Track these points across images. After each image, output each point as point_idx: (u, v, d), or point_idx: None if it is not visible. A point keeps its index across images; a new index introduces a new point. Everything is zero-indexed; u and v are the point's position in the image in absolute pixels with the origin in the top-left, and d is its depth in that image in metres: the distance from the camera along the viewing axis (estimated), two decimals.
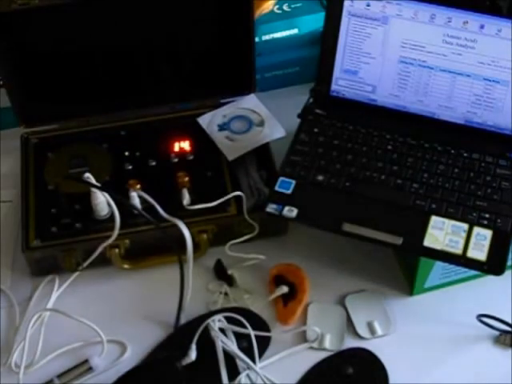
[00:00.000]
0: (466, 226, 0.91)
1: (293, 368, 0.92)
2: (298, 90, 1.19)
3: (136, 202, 0.99)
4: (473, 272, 0.94)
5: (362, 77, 1.03)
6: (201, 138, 1.09)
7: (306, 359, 0.93)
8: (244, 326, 0.92)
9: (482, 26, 0.95)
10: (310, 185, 0.97)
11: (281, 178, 0.97)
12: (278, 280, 0.99)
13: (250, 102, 1.13)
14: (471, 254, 0.89)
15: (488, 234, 0.90)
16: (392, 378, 0.91)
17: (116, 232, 0.95)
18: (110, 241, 0.96)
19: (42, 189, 1.04)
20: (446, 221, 0.92)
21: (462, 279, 0.99)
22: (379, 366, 0.91)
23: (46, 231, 1.00)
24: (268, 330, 0.95)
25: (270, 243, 1.03)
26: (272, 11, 1.21)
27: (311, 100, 1.06)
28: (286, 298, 0.97)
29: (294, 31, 1.20)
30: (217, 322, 0.92)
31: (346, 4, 1.00)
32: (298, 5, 1.21)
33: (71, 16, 1.02)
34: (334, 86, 1.05)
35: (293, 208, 0.94)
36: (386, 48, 1.00)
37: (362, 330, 0.95)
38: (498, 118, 0.99)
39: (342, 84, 1.04)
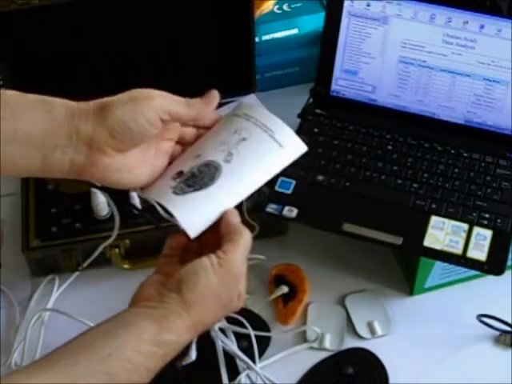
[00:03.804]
0: (465, 226, 0.91)
1: (293, 368, 0.92)
2: (297, 90, 1.19)
3: (136, 202, 0.99)
4: (473, 272, 0.94)
5: (362, 77, 1.03)
6: None
7: (306, 359, 0.93)
8: (244, 326, 0.92)
9: (482, 26, 0.95)
10: (310, 185, 0.97)
11: (281, 178, 0.97)
12: (278, 280, 0.99)
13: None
14: (471, 254, 0.89)
15: (488, 234, 0.90)
16: (392, 378, 0.91)
17: (116, 232, 0.95)
18: (109, 241, 0.96)
19: (42, 189, 1.04)
20: (446, 221, 0.92)
21: (462, 279, 0.99)
22: (379, 366, 0.91)
23: (46, 231, 1.00)
24: (268, 330, 0.95)
25: (270, 243, 1.03)
26: (272, 11, 1.21)
27: (311, 100, 1.06)
28: (286, 298, 0.97)
29: (294, 31, 1.20)
30: (217, 322, 0.92)
31: (346, 4, 1.00)
32: (298, 5, 1.21)
33: (71, 16, 1.02)
34: (334, 86, 1.05)
35: (293, 208, 0.94)
36: (385, 48, 1.00)
37: (362, 330, 0.95)
38: (498, 117, 0.99)
39: (342, 84, 1.04)
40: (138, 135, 0.67)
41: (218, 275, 0.66)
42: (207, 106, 0.72)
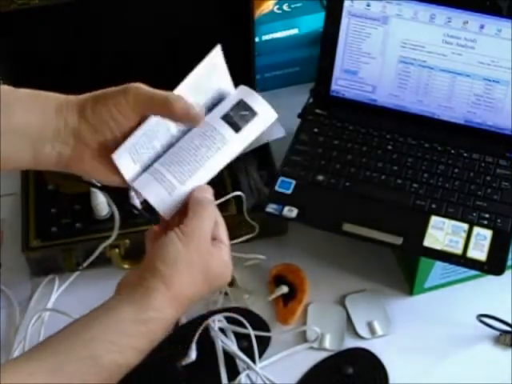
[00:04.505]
0: (465, 226, 0.91)
1: (293, 368, 0.92)
2: (298, 90, 1.19)
3: (136, 202, 0.99)
4: (473, 272, 0.94)
5: (362, 77, 1.03)
6: None
7: (306, 359, 0.93)
8: (244, 326, 0.92)
9: (482, 26, 0.95)
10: (310, 185, 0.97)
11: (281, 178, 0.97)
12: (278, 280, 0.99)
13: None
14: (471, 254, 0.89)
15: (488, 234, 0.90)
16: (392, 377, 0.91)
17: (116, 232, 0.95)
18: (109, 241, 0.96)
19: (42, 189, 1.04)
20: (446, 221, 0.92)
21: (462, 279, 0.99)
22: (379, 366, 0.91)
23: (46, 231, 1.00)
24: (268, 330, 0.95)
25: (270, 243, 1.03)
26: (272, 11, 1.21)
27: (311, 100, 1.06)
28: (286, 298, 0.97)
29: (294, 31, 1.20)
30: (217, 322, 0.92)
31: (346, 4, 1.00)
32: (298, 5, 1.21)
33: (71, 16, 1.02)
34: (334, 86, 1.05)
35: (293, 208, 0.94)
36: (385, 48, 1.00)
37: (362, 329, 0.95)
38: (498, 117, 0.99)
39: (342, 84, 1.04)
40: (114, 128, 0.68)
41: (184, 243, 0.67)
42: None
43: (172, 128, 0.72)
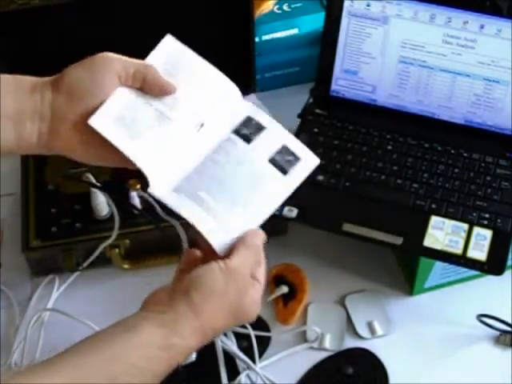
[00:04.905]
0: (465, 226, 0.91)
1: (293, 368, 0.92)
2: (298, 90, 1.18)
3: (136, 202, 0.99)
4: (473, 272, 0.94)
5: (362, 77, 1.03)
6: None
7: (306, 359, 0.93)
8: (244, 326, 0.92)
9: (482, 26, 0.95)
10: (310, 185, 0.97)
11: None
12: (278, 280, 0.99)
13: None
14: (471, 254, 0.89)
15: (488, 234, 0.90)
16: (392, 377, 0.91)
17: (116, 232, 0.95)
18: (110, 241, 0.96)
19: (42, 189, 1.04)
20: (446, 221, 0.92)
21: (462, 279, 0.99)
22: (379, 366, 0.92)
23: (46, 231, 1.00)
24: (268, 330, 0.95)
25: (270, 243, 1.02)
26: (272, 11, 1.21)
27: (311, 100, 1.06)
28: (286, 298, 0.97)
29: (294, 31, 1.20)
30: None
31: (346, 4, 1.00)
32: (298, 5, 1.21)
33: (71, 16, 1.02)
34: (334, 86, 1.05)
35: (293, 208, 0.94)
36: (385, 48, 1.00)
37: (362, 329, 0.95)
38: (498, 117, 0.99)
39: (342, 84, 1.04)
40: (94, 92, 0.68)
41: (225, 277, 0.66)
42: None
43: (189, 131, 0.73)
